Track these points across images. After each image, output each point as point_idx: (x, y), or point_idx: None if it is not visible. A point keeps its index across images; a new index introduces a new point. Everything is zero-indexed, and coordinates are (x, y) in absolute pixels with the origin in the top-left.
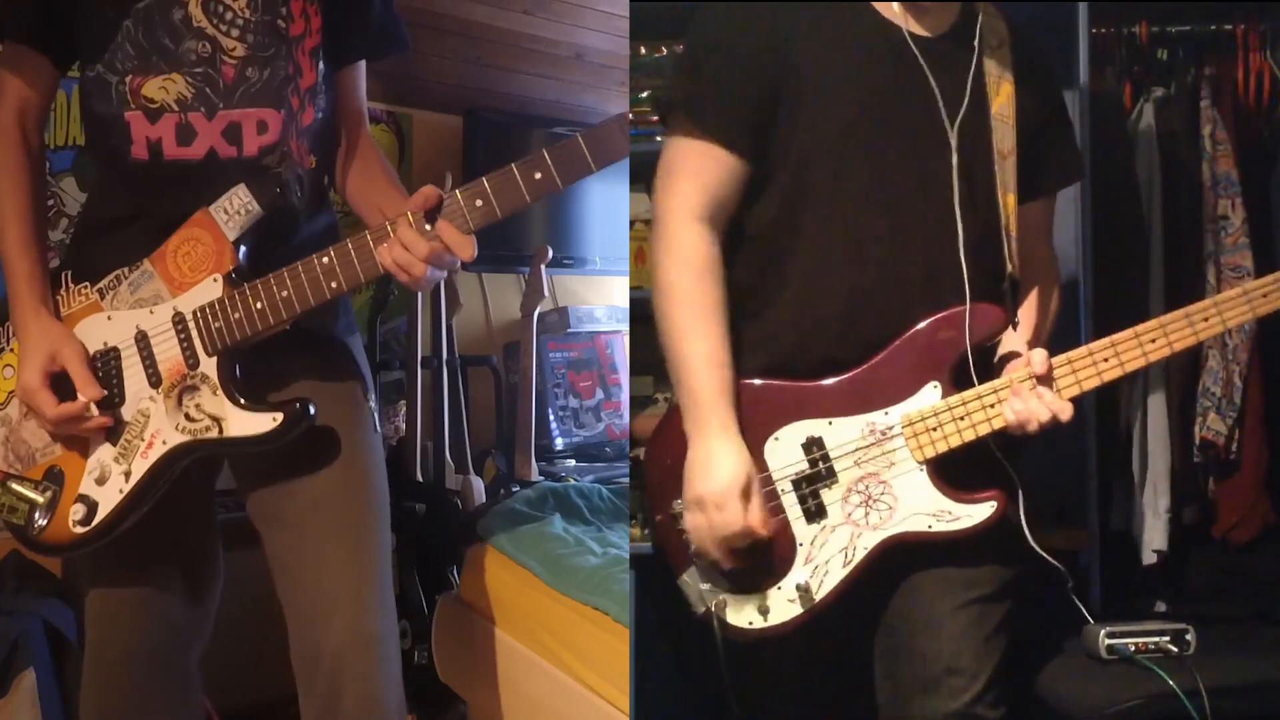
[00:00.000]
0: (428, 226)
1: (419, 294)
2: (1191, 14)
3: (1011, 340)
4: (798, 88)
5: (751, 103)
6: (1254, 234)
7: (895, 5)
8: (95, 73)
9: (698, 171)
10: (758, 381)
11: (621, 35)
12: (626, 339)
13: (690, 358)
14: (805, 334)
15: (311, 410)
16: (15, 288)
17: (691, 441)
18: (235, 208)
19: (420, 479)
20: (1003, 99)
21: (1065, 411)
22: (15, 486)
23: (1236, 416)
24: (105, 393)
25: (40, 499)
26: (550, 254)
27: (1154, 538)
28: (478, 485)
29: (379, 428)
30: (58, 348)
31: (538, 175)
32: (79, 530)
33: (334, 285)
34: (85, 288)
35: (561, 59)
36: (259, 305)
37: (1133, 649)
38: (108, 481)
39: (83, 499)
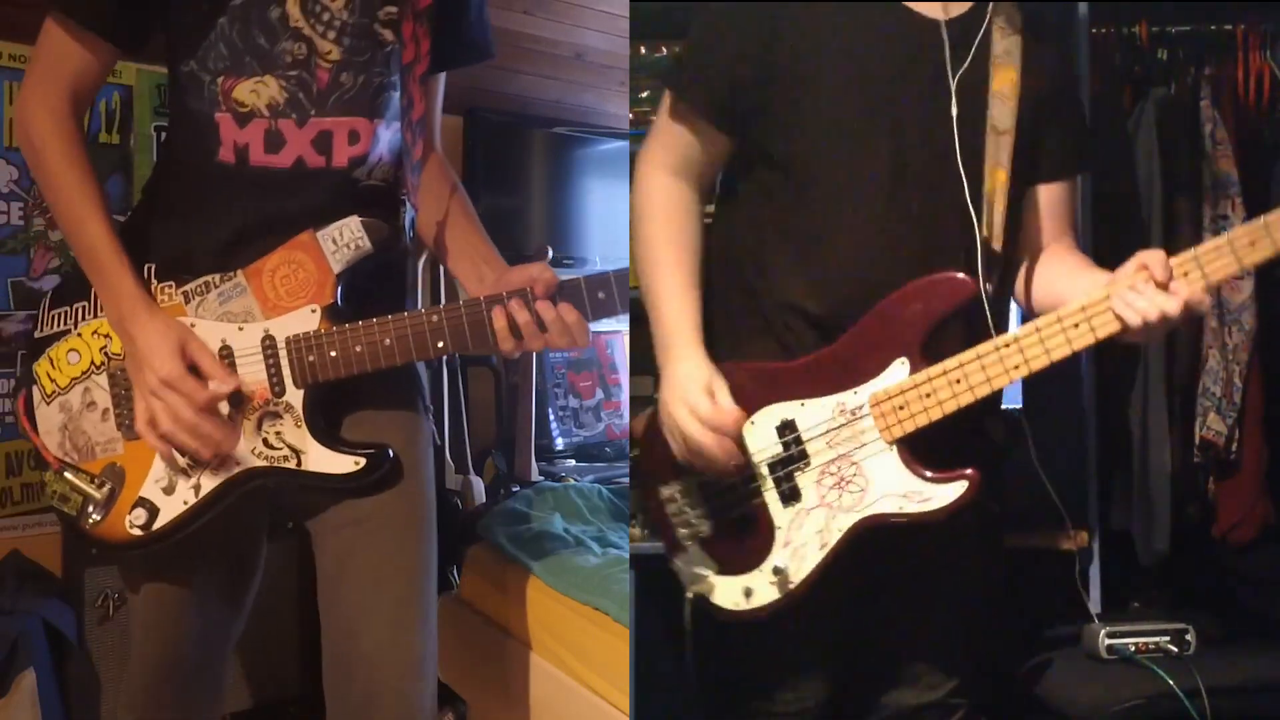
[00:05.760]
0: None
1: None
2: (1191, 14)
3: (1086, 273)
4: (795, 66)
5: (735, 77)
6: None
7: None
8: (189, 68)
9: (672, 133)
10: (731, 364)
11: (621, 35)
12: (626, 339)
13: (658, 290)
14: (798, 306)
15: (391, 454)
16: (118, 283)
17: (664, 370)
18: (345, 239)
19: None
20: (1005, 81)
21: (1180, 305)
22: (70, 477)
23: (1236, 416)
24: (242, 382)
25: (97, 494)
26: (550, 253)
27: (1154, 538)
28: (478, 485)
29: (435, 440)
30: (185, 339)
31: None
32: (136, 533)
33: (440, 345)
34: (170, 288)
35: (561, 59)
36: (358, 349)
37: (1133, 649)
38: (175, 492)
39: (144, 503)
